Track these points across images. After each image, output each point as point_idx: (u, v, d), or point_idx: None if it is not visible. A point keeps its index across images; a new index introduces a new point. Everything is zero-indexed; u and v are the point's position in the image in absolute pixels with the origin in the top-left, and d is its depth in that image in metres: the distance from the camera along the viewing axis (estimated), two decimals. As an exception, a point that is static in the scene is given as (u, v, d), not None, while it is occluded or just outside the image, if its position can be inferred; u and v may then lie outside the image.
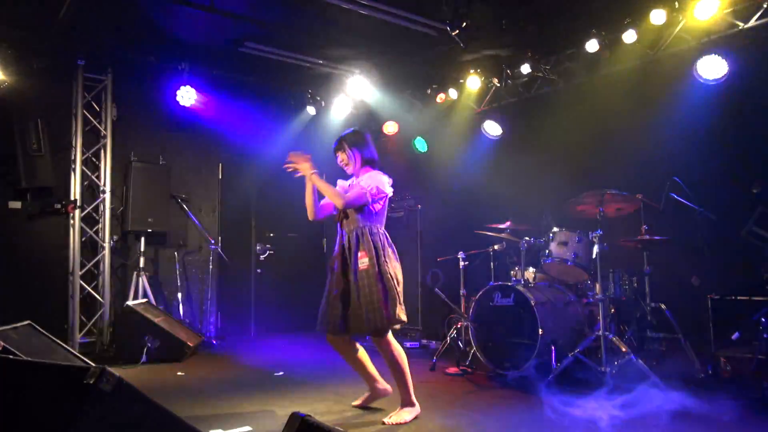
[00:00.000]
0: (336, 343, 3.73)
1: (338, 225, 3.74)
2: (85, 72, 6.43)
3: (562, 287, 5.10)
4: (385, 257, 3.56)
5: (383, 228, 3.72)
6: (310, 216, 3.81)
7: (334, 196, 3.62)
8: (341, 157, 3.83)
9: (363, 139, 3.84)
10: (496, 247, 5.50)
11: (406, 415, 3.54)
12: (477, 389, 4.52)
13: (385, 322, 3.45)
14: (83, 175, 6.42)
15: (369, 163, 3.80)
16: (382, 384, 3.85)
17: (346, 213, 3.67)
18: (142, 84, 6.84)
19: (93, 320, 6.37)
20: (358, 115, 7.86)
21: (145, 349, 5.42)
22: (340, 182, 3.87)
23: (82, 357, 4.23)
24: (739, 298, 4.41)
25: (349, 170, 3.83)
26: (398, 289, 3.54)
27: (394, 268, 3.60)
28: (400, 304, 3.52)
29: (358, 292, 3.49)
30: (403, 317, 3.52)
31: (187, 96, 6.69)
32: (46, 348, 3.93)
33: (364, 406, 3.87)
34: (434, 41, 5.93)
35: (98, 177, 6.60)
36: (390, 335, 3.58)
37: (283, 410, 3.76)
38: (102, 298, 6.42)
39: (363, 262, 3.53)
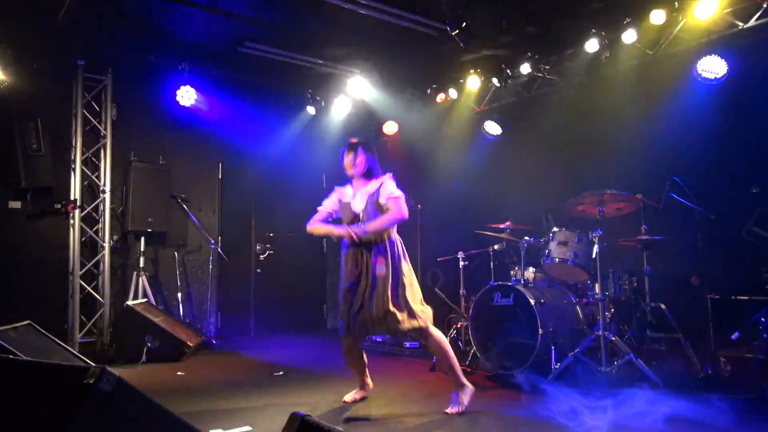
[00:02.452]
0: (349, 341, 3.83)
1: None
2: (85, 72, 6.43)
3: (562, 287, 5.10)
4: (402, 263, 3.68)
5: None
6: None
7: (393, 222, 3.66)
8: (350, 159, 3.81)
9: (374, 150, 3.91)
10: (496, 247, 5.50)
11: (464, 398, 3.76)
12: (477, 389, 4.51)
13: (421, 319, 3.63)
14: (83, 175, 6.42)
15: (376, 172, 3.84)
16: (370, 381, 4.14)
17: (359, 219, 3.70)
18: (142, 84, 6.84)
19: (93, 320, 6.37)
20: (358, 115, 7.86)
21: (145, 349, 5.42)
22: (338, 189, 3.90)
23: (82, 357, 4.23)
24: (739, 298, 4.41)
25: (354, 171, 3.81)
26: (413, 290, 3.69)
27: (410, 272, 3.74)
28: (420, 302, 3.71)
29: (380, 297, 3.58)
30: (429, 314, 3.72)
31: (187, 96, 6.69)
32: (46, 348, 3.92)
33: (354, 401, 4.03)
34: (434, 41, 5.93)
35: (98, 177, 6.60)
36: (432, 328, 3.72)
37: (283, 410, 3.76)
38: (102, 298, 6.42)
39: (380, 268, 3.60)
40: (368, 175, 3.79)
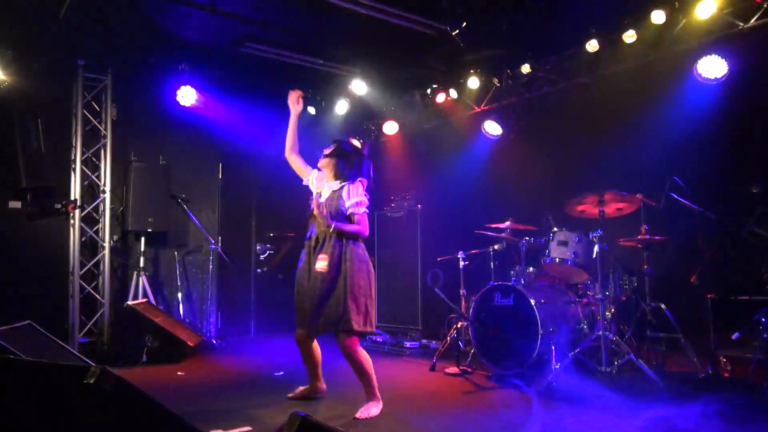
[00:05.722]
0: (301, 337, 3.98)
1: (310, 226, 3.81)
2: (85, 72, 6.43)
3: (562, 287, 5.10)
4: (350, 266, 3.63)
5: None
6: (288, 151, 4.00)
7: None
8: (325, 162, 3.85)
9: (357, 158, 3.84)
10: (496, 247, 5.49)
11: (374, 409, 3.66)
12: (477, 389, 4.52)
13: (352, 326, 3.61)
14: (83, 174, 6.42)
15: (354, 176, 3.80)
16: (323, 383, 4.20)
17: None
18: (142, 84, 6.84)
19: (93, 320, 6.37)
20: (358, 115, 7.86)
21: (145, 349, 5.42)
22: (317, 172, 3.95)
23: (82, 357, 4.23)
24: (739, 298, 4.41)
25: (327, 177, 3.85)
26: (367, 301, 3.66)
27: (363, 279, 3.68)
28: (365, 314, 3.67)
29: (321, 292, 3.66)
30: (369, 329, 3.72)
31: (187, 96, 6.70)
32: (46, 348, 3.92)
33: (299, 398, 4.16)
34: (434, 41, 5.93)
35: (98, 177, 6.60)
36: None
37: (283, 410, 3.76)
38: (102, 298, 6.42)
39: (321, 265, 3.62)
40: (338, 176, 3.81)
